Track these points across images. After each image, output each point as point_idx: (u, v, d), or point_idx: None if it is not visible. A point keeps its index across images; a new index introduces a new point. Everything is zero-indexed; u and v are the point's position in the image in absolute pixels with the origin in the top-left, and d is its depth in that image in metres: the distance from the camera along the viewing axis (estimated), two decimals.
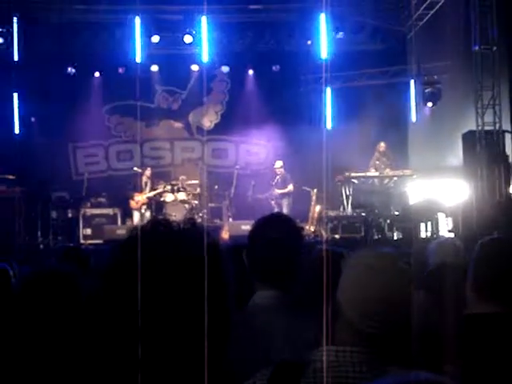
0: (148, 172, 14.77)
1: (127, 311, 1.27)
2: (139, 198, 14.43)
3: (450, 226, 11.69)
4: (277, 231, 2.62)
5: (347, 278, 1.94)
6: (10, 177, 13.43)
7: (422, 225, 12.06)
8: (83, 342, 1.56)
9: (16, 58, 14.25)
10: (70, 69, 15.32)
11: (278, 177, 14.41)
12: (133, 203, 14.40)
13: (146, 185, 14.64)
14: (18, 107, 14.80)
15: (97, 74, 15.89)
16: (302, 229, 2.87)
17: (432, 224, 12.03)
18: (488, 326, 2.54)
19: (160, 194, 14.57)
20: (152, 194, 14.52)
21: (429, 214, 12.07)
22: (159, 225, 1.39)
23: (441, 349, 2.52)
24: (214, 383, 1.31)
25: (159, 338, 1.29)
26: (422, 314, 2.53)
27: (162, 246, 1.34)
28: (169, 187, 14.50)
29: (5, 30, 14.37)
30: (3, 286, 3.62)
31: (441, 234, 11.43)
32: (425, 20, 14.70)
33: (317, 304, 1.93)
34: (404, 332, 1.87)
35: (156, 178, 14.91)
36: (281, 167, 14.44)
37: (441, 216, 12.02)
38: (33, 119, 15.46)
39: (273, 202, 14.10)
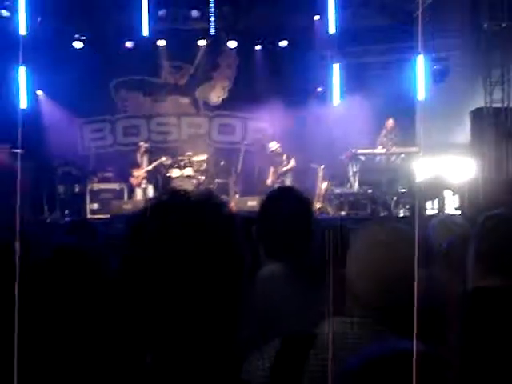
0: (143, 148, 14.71)
1: (150, 283, 1.28)
2: (137, 174, 14.42)
3: (457, 204, 11.66)
4: (287, 204, 2.62)
5: (355, 252, 1.94)
6: (17, 151, 13.43)
7: (429, 203, 12.04)
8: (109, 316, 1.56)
9: (22, 31, 14.16)
10: (77, 42, 15.26)
11: (276, 158, 14.35)
12: (132, 179, 14.40)
13: (142, 159, 14.61)
14: (26, 81, 14.75)
15: (104, 49, 15.80)
16: (312, 203, 2.87)
17: (438, 201, 12.00)
18: (491, 300, 2.54)
19: (166, 169, 14.56)
20: (150, 167, 14.49)
21: (435, 191, 12.04)
22: (176, 195, 1.39)
23: (448, 323, 2.53)
24: (226, 356, 1.32)
25: (177, 307, 1.29)
26: (432, 291, 2.53)
27: (179, 215, 1.34)
28: (167, 160, 14.49)
29: (9, 3, 14.27)
30: (8, 261, 3.61)
31: (447, 211, 11.41)
32: None
33: (325, 277, 1.94)
34: (412, 306, 1.87)
35: (162, 153, 14.86)
36: (274, 149, 14.37)
37: (447, 193, 11.99)
38: (39, 93, 15.43)
39: (278, 181, 14.07)
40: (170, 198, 1.39)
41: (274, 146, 14.42)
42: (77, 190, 14.24)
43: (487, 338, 2.44)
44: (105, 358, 1.59)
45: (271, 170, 14.24)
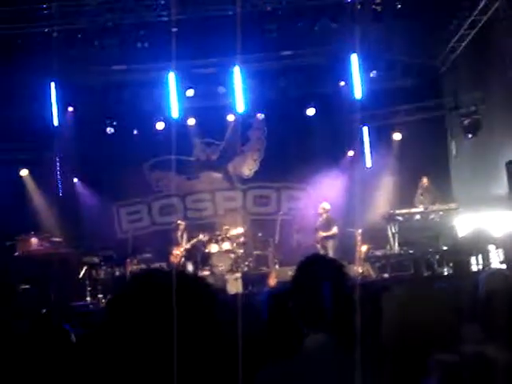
0: (182, 225, 14.79)
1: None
2: (177, 252, 14.47)
3: (502, 258, 11.41)
4: (320, 273, 2.55)
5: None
6: (57, 239, 13.61)
7: (473, 258, 11.80)
8: None
9: (55, 122, 14.52)
10: (108, 129, 15.56)
11: (321, 219, 14.30)
12: (172, 258, 14.44)
13: (182, 238, 14.67)
14: (59, 171, 15.04)
15: (135, 132, 16.08)
16: (345, 268, 2.78)
17: (483, 256, 11.75)
18: None
19: (205, 245, 14.58)
20: (189, 245, 14.54)
21: (479, 246, 11.82)
22: (150, 277, 1.42)
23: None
24: None
25: None
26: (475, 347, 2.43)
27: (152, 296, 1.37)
28: (205, 237, 14.54)
29: (42, 96, 14.66)
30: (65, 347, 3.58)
31: (492, 265, 11.16)
32: (458, 52, 14.63)
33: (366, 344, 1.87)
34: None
35: (199, 230, 14.91)
36: (326, 209, 14.32)
37: (491, 248, 11.75)
38: (75, 180, 15.69)
39: (318, 246, 13.97)
40: (147, 279, 1.43)
41: (325, 205, 14.34)
42: (117, 273, 14.26)
43: None
44: None
45: (316, 234, 14.13)
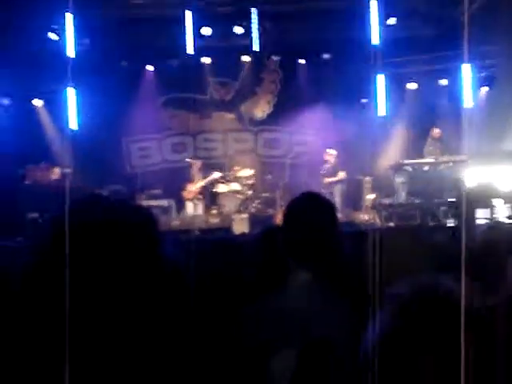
0: (198, 164, 14.89)
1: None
2: (192, 189, 14.57)
3: (508, 213, 11.45)
4: (310, 211, 2.61)
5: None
6: (67, 171, 13.73)
7: (479, 211, 11.83)
8: None
9: (70, 53, 14.46)
10: (123, 62, 15.52)
11: (327, 165, 14.36)
12: (185, 193, 14.56)
13: (196, 176, 14.77)
14: (74, 102, 15.04)
15: (149, 68, 16.05)
16: (336, 208, 2.84)
17: (490, 210, 11.79)
18: None
19: (214, 185, 14.69)
20: (203, 182, 14.63)
21: (485, 200, 11.84)
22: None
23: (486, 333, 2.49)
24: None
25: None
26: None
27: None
28: (218, 174, 14.63)
29: (57, 27, 14.61)
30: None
31: (498, 220, 11.21)
32: (478, 2, 14.38)
33: (352, 284, 1.94)
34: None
35: (209, 170, 15.02)
36: (332, 155, 14.37)
37: (498, 202, 11.77)
38: (87, 114, 15.72)
39: (324, 191, 14.05)
40: (89, 201, 1.46)
41: (331, 152, 14.40)
42: None
43: None
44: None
45: (322, 180, 14.22)
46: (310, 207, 2.65)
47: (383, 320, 1.46)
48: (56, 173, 13.55)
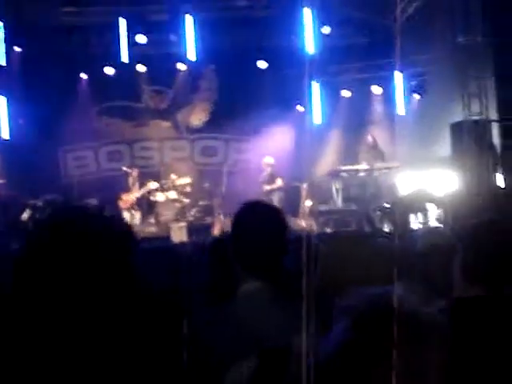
0: (135, 173, 14.79)
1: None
2: (127, 198, 14.45)
3: (440, 217, 11.72)
4: (257, 219, 2.62)
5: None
6: (0, 181, 13.43)
7: (413, 216, 12.08)
8: None
9: (2, 61, 14.17)
10: (56, 70, 15.25)
11: (265, 173, 14.45)
12: (121, 203, 14.42)
13: (133, 185, 14.66)
14: (6, 111, 14.73)
15: (84, 76, 15.83)
16: (284, 216, 2.87)
17: (422, 215, 12.05)
18: (475, 310, 2.56)
19: (150, 194, 14.59)
20: (140, 192, 14.54)
21: (419, 205, 12.10)
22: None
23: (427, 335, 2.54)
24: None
25: None
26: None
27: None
28: (155, 184, 14.55)
29: None
30: None
31: (431, 224, 11.47)
32: (410, 12, 14.71)
33: (301, 292, 1.95)
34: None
35: (146, 178, 14.91)
36: (269, 164, 14.47)
37: (431, 207, 12.05)
38: (21, 122, 15.39)
39: (263, 199, 14.10)
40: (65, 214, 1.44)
41: (269, 159, 14.48)
42: None
43: (469, 348, 2.46)
44: None
45: (261, 188, 14.27)
46: (258, 216, 2.67)
47: (336, 333, 1.47)
48: None
